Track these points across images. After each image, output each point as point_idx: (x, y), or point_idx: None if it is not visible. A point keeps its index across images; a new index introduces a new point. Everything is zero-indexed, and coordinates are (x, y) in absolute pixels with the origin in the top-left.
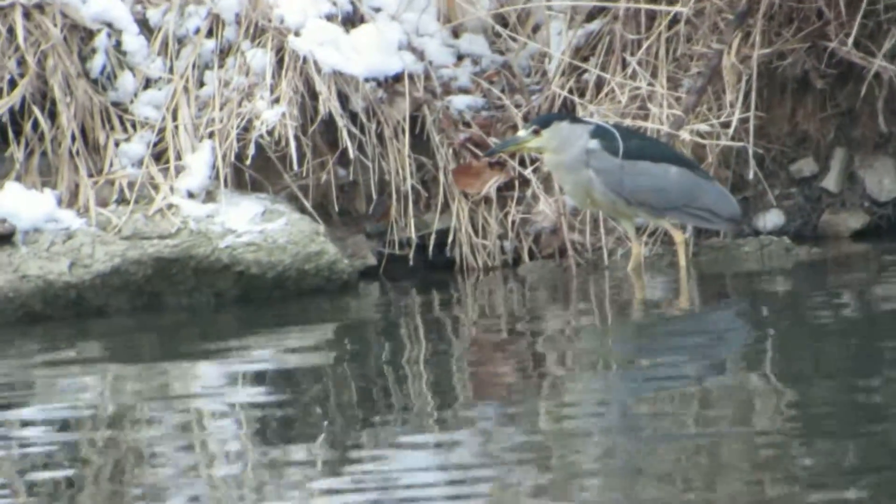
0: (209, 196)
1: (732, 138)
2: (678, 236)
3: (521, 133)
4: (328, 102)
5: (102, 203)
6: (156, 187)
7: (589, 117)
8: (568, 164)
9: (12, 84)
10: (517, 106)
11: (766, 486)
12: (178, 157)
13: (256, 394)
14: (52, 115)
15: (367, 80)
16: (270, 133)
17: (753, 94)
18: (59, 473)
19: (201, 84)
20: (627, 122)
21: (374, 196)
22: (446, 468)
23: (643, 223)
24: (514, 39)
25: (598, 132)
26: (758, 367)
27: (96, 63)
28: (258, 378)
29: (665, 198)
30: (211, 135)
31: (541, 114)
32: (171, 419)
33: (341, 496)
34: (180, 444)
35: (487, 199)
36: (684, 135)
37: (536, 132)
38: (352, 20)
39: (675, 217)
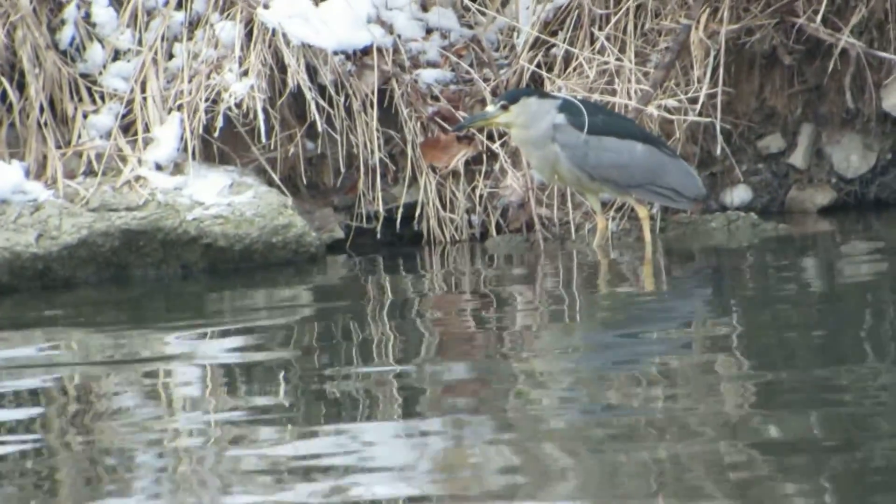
0: (177, 168)
1: (700, 114)
2: (642, 211)
3: (490, 108)
4: (297, 75)
5: (70, 175)
6: (124, 159)
7: (557, 92)
8: (535, 140)
9: None
10: (486, 80)
11: (728, 455)
12: (147, 130)
13: (222, 357)
14: (21, 87)
15: (335, 53)
16: (239, 106)
17: (721, 70)
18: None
19: (170, 56)
20: (595, 97)
21: (342, 169)
22: (411, 433)
23: (609, 199)
24: (483, 13)
25: (565, 107)
26: (720, 342)
27: (65, 34)
28: (224, 350)
29: (629, 175)
30: (179, 107)
31: (509, 88)
32: (138, 383)
33: (310, 460)
34: (145, 409)
35: (455, 173)
36: (652, 110)
37: (505, 108)
38: None
39: (640, 194)
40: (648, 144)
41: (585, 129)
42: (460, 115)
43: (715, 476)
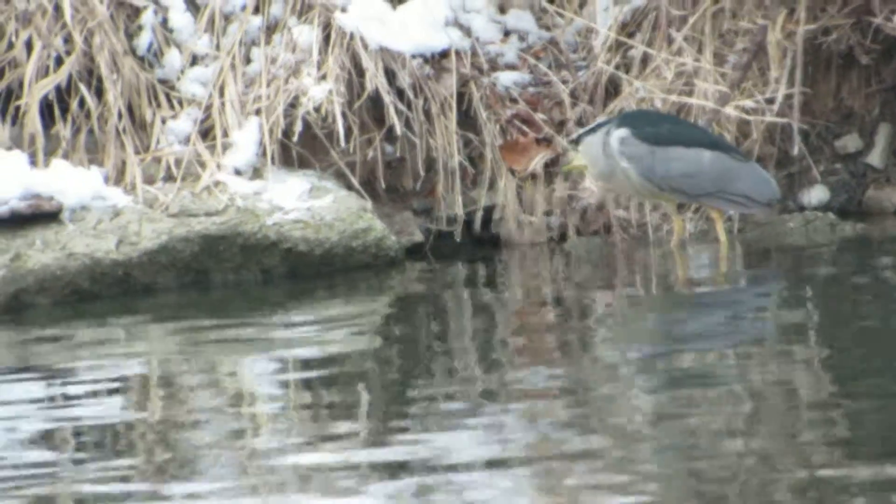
0: (256, 173)
1: (777, 114)
2: (715, 212)
3: (570, 153)
4: (375, 79)
5: (149, 180)
6: (202, 164)
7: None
8: (602, 172)
9: (59, 62)
10: (564, 82)
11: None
12: (225, 134)
13: (303, 368)
14: (99, 93)
15: (413, 56)
16: (317, 110)
17: (799, 70)
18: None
19: (248, 61)
20: (673, 98)
21: (421, 173)
22: (490, 442)
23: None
24: (561, 15)
25: (627, 120)
26: (797, 342)
27: (143, 40)
28: (306, 352)
29: (698, 184)
30: (258, 112)
31: (587, 92)
32: (217, 387)
33: (387, 470)
34: (223, 416)
35: (534, 176)
36: (729, 111)
37: (575, 150)
38: None
39: (710, 202)
40: (717, 151)
41: (650, 140)
42: (539, 116)
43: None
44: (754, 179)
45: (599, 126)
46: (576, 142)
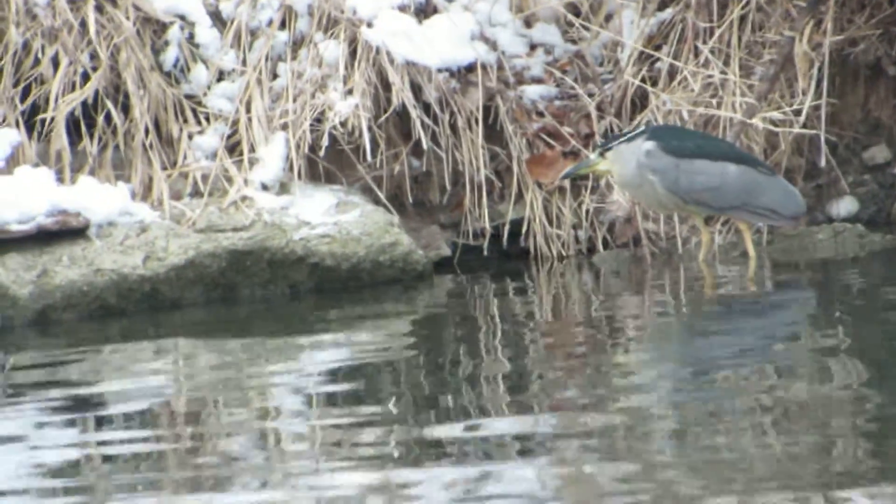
0: (283, 188)
1: (805, 126)
2: (742, 224)
3: (591, 156)
4: (401, 93)
5: (176, 196)
6: (229, 180)
7: (649, 120)
8: (631, 181)
9: (85, 77)
10: (590, 95)
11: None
12: (252, 150)
13: (330, 383)
14: (126, 109)
15: (439, 70)
16: (343, 124)
17: (826, 82)
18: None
19: (274, 76)
20: (700, 110)
21: (448, 187)
22: (521, 459)
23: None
24: (587, 28)
25: (656, 133)
26: (827, 356)
27: (169, 56)
28: (332, 367)
29: (722, 197)
30: (284, 126)
31: (614, 105)
32: (247, 401)
33: (416, 487)
34: (253, 427)
35: (561, 189)
36: (757, 122)
37: (602, 155)
38: (424, 11)
39: (736, 215)
40: (743, 165)
41: (675, 153)
42: (565, 130)
43: None
44: (780, 193)
45: (633, 136)
46: (607, 148)
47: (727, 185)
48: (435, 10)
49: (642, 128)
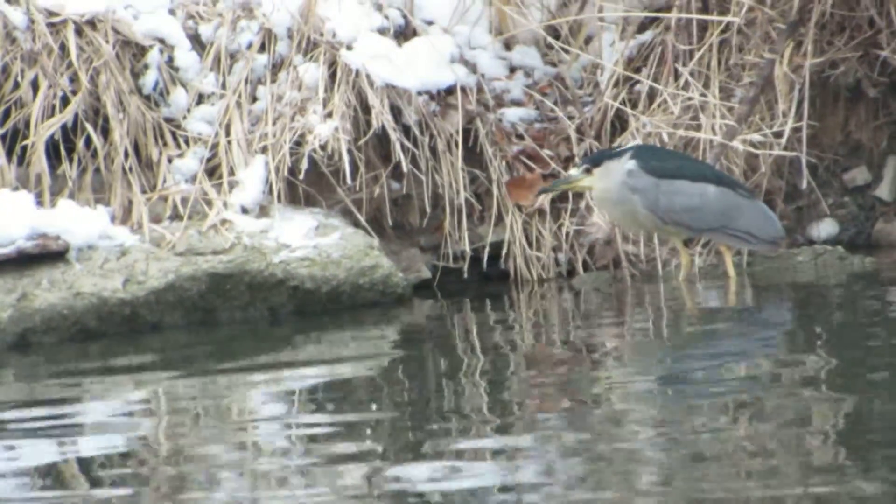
0: (263, 211)
1: (785, 148)
2: (723, 246)
3: (574, 172)
4: (381, 116)
5: (156, 219)
6: (209, 203)
7: (628, 142)
8: (615, 199)
9: (65, 101)
10: (570, 118)
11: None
12: (232, 173)
13: (312, 405)
14: (105, 132)
15: (419, 93)
16: (323, 147)
17: (806, 104)
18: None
19: (254, 99)
20: (680, 132)
21: (428, 209)
22: (506, 480)
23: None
24: (567, 51)
25: (638, 152)
26: (804, 379)
27: (149, 79)
28: (312, 388)
29: (701, 218)
30: (264, 149)
31: (594, 127)
32: (226, 427)
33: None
34: (233, 454)
35: (541, 212)
36: (737, 145)
37: (588, 171)
38: (404, 33)
39: (714, 237)
40: (723, 187)
41: (655, 173)
42: (545, 152)
43: None
44: (758, 217)
45: (620, 154)
46: (597, 164)
47: (706, 206)
48: (415, 33)
49: (630, 145)
